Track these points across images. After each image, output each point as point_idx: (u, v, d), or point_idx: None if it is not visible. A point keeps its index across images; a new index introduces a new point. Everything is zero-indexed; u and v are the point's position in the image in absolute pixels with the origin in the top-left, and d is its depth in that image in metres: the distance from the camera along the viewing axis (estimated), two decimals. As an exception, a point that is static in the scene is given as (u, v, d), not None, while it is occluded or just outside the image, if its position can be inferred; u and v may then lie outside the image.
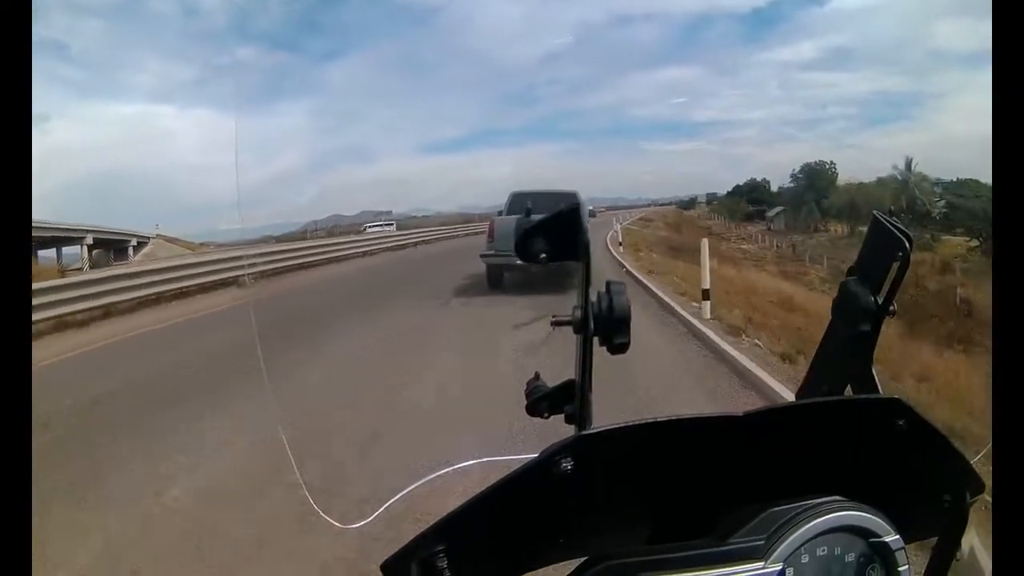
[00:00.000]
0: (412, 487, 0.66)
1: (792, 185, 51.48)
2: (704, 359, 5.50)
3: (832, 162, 50.39)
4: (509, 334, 6.45)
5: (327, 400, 4.59)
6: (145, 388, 5.25)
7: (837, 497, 0.50)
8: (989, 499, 0.56)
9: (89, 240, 29.29)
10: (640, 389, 4.33)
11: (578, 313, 0.51)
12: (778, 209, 50.79)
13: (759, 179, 59.36)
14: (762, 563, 0.46)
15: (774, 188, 57.48)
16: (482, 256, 9.92)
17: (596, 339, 0.52)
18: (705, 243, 7.90)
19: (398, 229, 33.24)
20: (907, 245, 0.61)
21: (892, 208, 36.18)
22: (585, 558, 0.49)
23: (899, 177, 44.20)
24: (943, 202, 42.64)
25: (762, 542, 0.47)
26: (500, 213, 10.85)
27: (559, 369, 0.63)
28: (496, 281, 10.03)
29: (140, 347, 7.43)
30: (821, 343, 0.72)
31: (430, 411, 4.22)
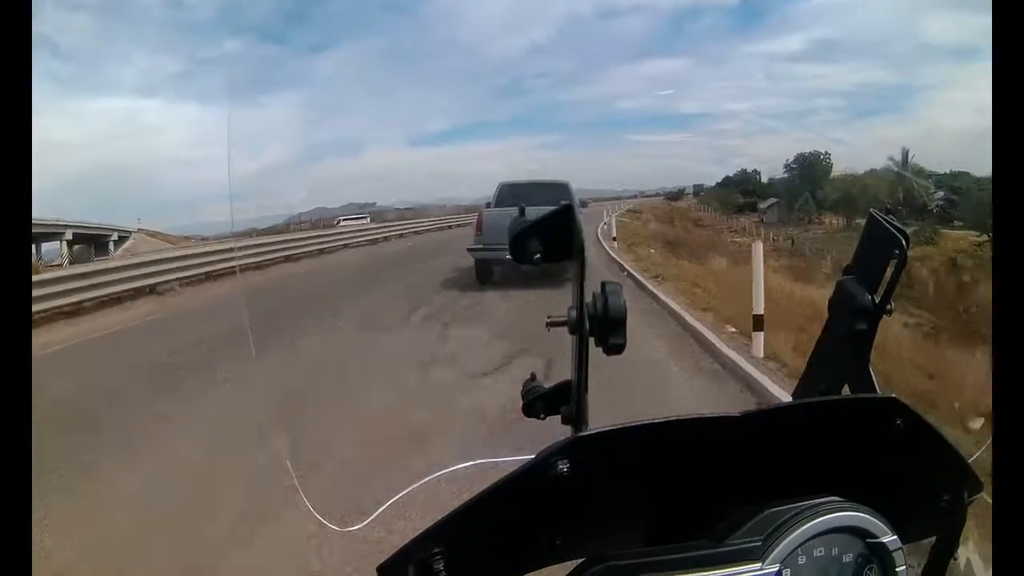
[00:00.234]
0: (408, 489, 0.66)
1: (786, 176, 49.85)
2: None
3: (827, 152, 48.77)
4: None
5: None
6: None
7: (834, 497, 0.50)
8: (988, 498, 0.55)
9: (68, 236, 28.59)
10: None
11: (573, 313, 0.50)
12: (771, 201, 49.34)
13: (750, 170, 57.63)
14: (759, 564, 0.46)
15: (764, 179, 55.83)
16: (470, 250, 9.45)
17: (592, 340, 0.51)
18: (758, 249, 5.33)
19: (383, 221, 32.34)
20: (904, 243, 0.61)
21: (888, 202, 34.72)
22: (582, 560, 0.48)
23: (895, 169, 42.61)
24: (940, 195, 41.26)
25: (759, 543, 0.47)
26: (488, 205, 10.31)
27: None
28: (485, 276, 9.53)
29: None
30: (818, 342, 0.72)
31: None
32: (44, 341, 7.04)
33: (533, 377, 0.62)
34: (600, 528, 0.50)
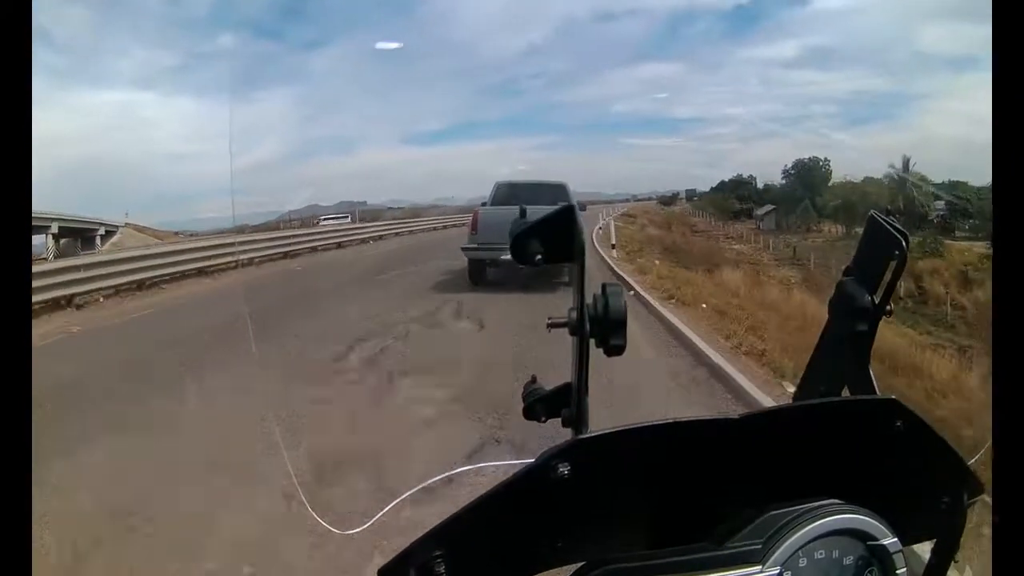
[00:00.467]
0: (409, 492, 0.66)
1: (784, 182, 48.51)
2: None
3: (826, 159, 47.52)
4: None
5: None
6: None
7: (835, 500, 0.50)
8: (988, 500, 0.56)
9: (54, 229, 27.60)
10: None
11: (574, 315, 0.50)
12: (768, 208, 48.06)
13: (745, 175, 56.28)
14: (760, 567, 0.46)
15: (759, 185, 54.48)
16: (464, 249, 9.26)
17: (592, 341, 0.51)
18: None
19: (375, 220, 31.65)
20: (904, 244, 0.61)
21: (889, 208, 33.49)
22: (583, 563, 0.49)
23: (896, 177, 41.43)
24: (941, 204, 40.16)
25: (760, 546, 0.47)
26: (484, 204, 10.12)
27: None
28: (478, 277, 9.37)
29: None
30: (818, 344, 0.71)
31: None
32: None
33: (534, 379, 0.62)
34: (601, 531, 0.50)
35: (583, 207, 12.85)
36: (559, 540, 0.48)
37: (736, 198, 52.79)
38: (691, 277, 10.77)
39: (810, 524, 0.47)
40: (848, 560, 0.49)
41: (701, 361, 5.07)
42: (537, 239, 0.51)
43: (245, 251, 14.58)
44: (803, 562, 0.48)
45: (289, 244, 17.09)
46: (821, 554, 0.48)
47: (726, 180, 58.23)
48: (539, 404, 0.59)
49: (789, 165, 48.76)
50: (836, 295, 0.67)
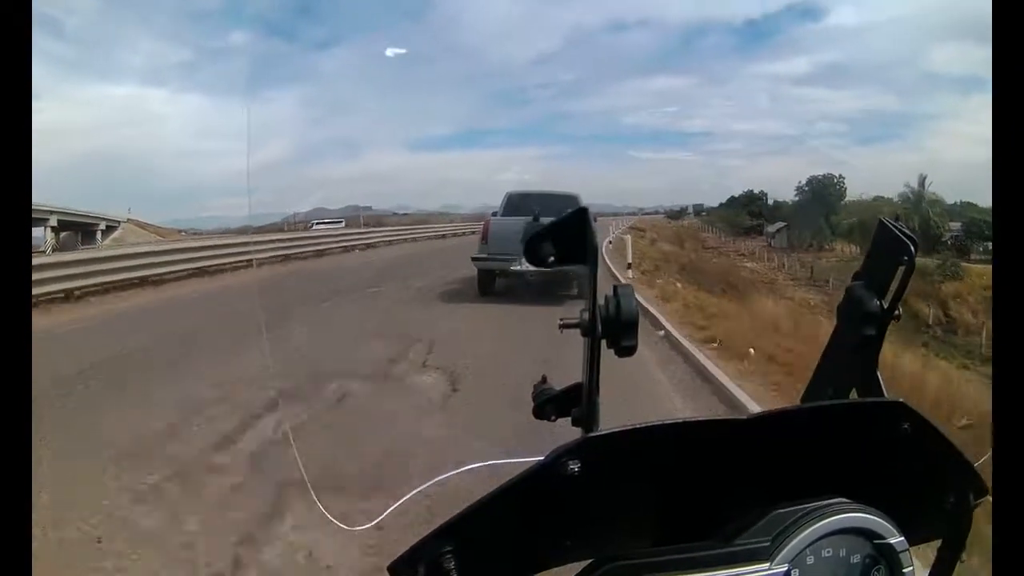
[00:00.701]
0: (418, 489, 0.65)
1: (797, 199, 47.44)
2: None
3: (841, 176, 46.53)
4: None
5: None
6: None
7: (842, 499, 0.50)
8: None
9: (53, 222, 27.58)
10: None
11: (586, 316, 0.50)
12: (779, 225, 47.17)
13: (756, 191, 55.28)
14: (767, 564, 0.47)
15: (769, 201, 53.46)
16: (474, 259, 9.19)
17: (604, 342, 0.51)
18: None
19: (380, 225, 31.64)
20: (912, 249, 0.62)
21: (899, 215, 32.78)
22: (591, 560, 0.49)
23: (911, 196, 40.34)
24: (959, 225, 39.03)
25: (767, 543, 0.47)
26: (495, 214, 9.98)
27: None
28: (487, 288, 9.29)
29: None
30: (827, 347, 0.72)
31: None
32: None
33: (544, 379, 0.63)
34: (610, 528, 0.51)
35: (594, 219, 12.33)
36: (568, 537, 0.49)
37: (748, 214, 51.81)
38: (722, 306, 9.54)
39: (818, 522, 0.48)
40: (855, 558, 0.49)
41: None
42: (550, 242, 0.51)
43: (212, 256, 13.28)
44: (811, 560, 0.48)
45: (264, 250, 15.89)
46: (828, 552, 0.49)
47: (736, 195, 57.42)
48: (549, 404, 0.60)
49: (803, 182, 47.99)
50: (845, 300, 0.68)
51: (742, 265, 33.50)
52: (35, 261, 9.00)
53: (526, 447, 0.54)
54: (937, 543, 0.57)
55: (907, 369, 5.95)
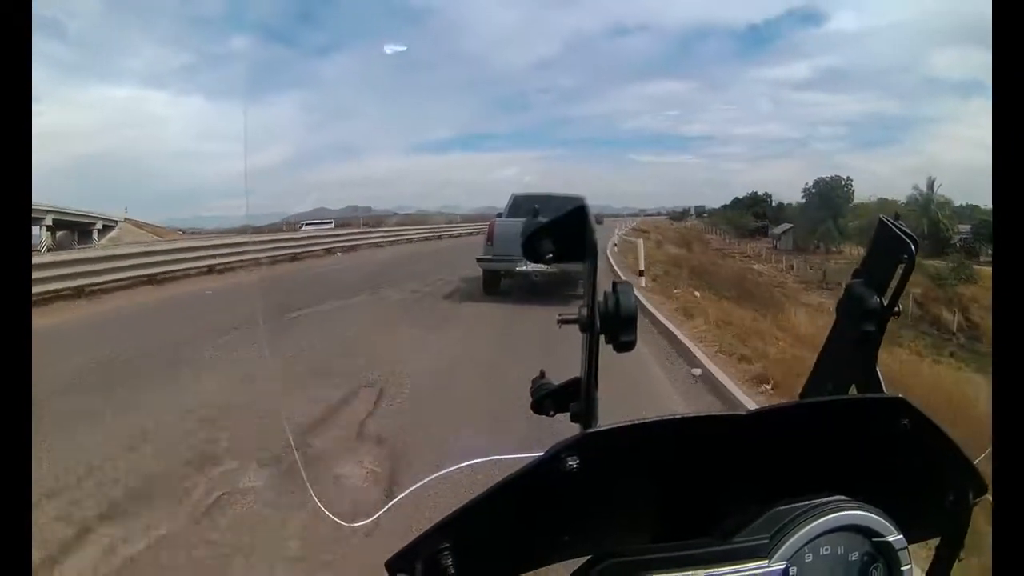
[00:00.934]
0: (417, 485, 0.64)
1: (804, 201, 46.56)
2: None
3: (848, 178, 45.62)
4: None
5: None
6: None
7: (841, 496, 0.50)
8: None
9: (48, 221, 27.44)
10: None
11: (584, 311, 0.50)
12: (785, 226, 46.49)
13: (760, 193, 54.42)
14: (766, 562, 0.47)
15: (773, 203, 52.64)
16: (479, 260, 9.35)
17: (603, 338, 0.51)
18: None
19: (380, 225, 31.18)
20: (912, 248, 0.62)
21: (899, 213, 32.18)
22: (590, 556, 0.49)
23: (919, 199, 39.43)
24: (968, 227, 38.14)
25: (766, 541, 0.47)
26: (500, 215, 10.06)
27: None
28: (492, 288, 9.40)
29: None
30: (826, 343, 0.72)
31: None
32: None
33: (542, 374, 0.63)
34: (608, 524, 0.51)
35: (600, 220, 12.46)
36: (566, 533, 0.49)
37: (752, 215, 50.97)
38: (751, 322, 8.30)
39: (816, 520, 0.48)
40: (854, 556, 0.49)
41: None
42: (549, 238, 0.51)
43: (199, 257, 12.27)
44: (809, 557, 0.48)
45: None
46: (827, 550, 0.49)
47: (740, 197, 56.66)
48: (547, 399, 0.60)
49: (810, 184, 47.09)
50: (845, 296, 0.68)
51: (749, 267, 32.65)
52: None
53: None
54: (936, 541, 0.57)
55: (947, 385, 5.71)
